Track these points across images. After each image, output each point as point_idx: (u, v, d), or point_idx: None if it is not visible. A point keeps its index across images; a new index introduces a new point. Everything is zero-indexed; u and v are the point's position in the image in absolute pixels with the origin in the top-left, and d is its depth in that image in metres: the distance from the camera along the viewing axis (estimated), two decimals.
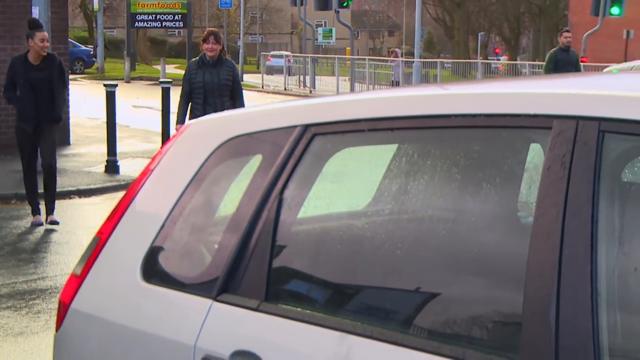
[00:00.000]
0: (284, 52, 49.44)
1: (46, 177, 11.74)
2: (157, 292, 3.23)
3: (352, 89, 39.77)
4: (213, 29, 12.70)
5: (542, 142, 2.72)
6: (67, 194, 13.98)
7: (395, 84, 39.86)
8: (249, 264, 3.06)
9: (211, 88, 11.93)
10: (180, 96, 12.19)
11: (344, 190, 3.19)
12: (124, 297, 3.33)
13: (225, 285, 3.09)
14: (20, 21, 17.16)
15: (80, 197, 14.03)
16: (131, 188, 3.46)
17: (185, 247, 3.28)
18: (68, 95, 11.94)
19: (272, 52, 52.52)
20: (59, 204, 13.32)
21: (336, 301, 3.02)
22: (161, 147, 3.48)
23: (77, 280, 3.46)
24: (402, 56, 42.07)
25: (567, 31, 20.16)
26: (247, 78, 47.49)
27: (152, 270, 3.28)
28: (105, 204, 13.77)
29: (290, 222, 3.10)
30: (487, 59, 57.56)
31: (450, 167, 2.94)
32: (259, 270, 3.05)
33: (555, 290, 2.50)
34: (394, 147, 3.13)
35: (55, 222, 11.69)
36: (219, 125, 3.39)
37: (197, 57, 12.33)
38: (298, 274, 3.12)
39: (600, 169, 2.54)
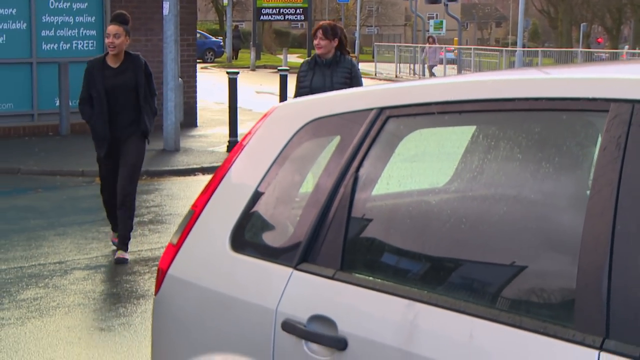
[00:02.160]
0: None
1: (118, 204, 8.78)
2: (244, 261, 3.26)
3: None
4: (324, 22, 9.53)
5: (600, 124, 2.66)
6: (192, 171, 14.20)
7: (431, 68, 39.59)
8: (326, 236, 3.06)
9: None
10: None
11: (415, 169, 3.16)
12: (215, 265, 3.35)
13: (304, 255, 3.09)
14: (154, 15, 17.46)
15: (203, 174, 14.17)
16: (223, 165, 3.48)
17: (270, 220, 3.30)
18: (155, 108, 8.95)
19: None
20: (184, 181, 13.56)
21: (404, 271, 3.00)
22: (251, 129, 3.49)
23: (173, 249, 3.50)
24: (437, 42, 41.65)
25: None
26: (362, 67, 47.36)
27: (240, 240, 3.30)
28: None
29: (365, 198, 3.09)
30: (590, 48, 56.46)
31: (514, 148, 2.88)
32: (335, 241, 3.04)
33: (607, 263, 2.45)
34: (463, 128, 3.09)
35: (123, 261, 8.67)
36: (302, 108, 3.39)
37: (311, 56, 9.48)
38: (371, 246, 3.11)
39: None
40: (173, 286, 3.48)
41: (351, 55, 9.60)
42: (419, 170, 3.14)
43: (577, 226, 2.56)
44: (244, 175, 3.38)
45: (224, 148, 16.07)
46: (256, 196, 3.30)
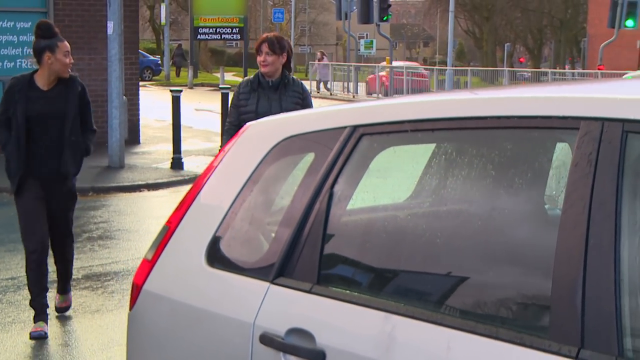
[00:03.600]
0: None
1: (58, 246, 7.07)
2: (220, 276, 3.23)
3: (390, 94, 39.69)
4: (269, 33, 7.73)
5: (570, 141, 2.68)
6: (137, 188, 14.07)
7: (325, 83, 39.67)
8: (302, 251, 3.04)
9: None
10: (224, 128, 7.63)
11: (389, 185, 3.16)
12: (191, 280, 3.32)
13: (281, 269, 3.07)
14: (98, 34, 17.30)
15: (148, 190, 14.07)
16: (197, 183, 3.45)
17: (245, 235, 3.27)
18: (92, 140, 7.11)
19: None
20: (130, 197, 13.43)
21: (381, 284, 2.99)
22: (222, 147, 3.47)
23: (148, 265, 3.45)
24: (326, 59, 41.97)
25: None
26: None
27: (216, 256, 3.27)
28: (171, 197, 13.82)
29: (340, 213, 3.08)
30: (513, 67, 57.17)
31: (485, 165, 2.90)
32: (311, 256, 3.03)
33: (581, 276, 2.46)
34: (434, 145, 3.10)
35: (64, 309, 7.35)
36: (275, 126, 3.37)
37: (252, 76, 7.52)
38: (347, 259, 3.10)
39: (623, 166, 2.49)
40: (148, 301, 3.43)
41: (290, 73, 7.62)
42: (393, 186, 3.14)
43: (548, 241, 2.58)
44: (219, 192, 3.35)
45: (167, 165, 15.95)
46: (231, 212, 3.27)
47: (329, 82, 40.90)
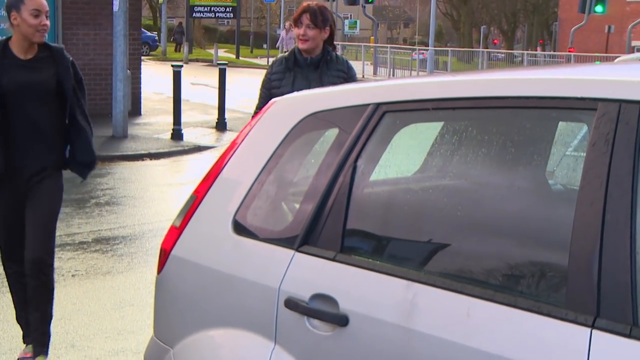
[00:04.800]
0: None
1: (28, 272, 5.20)
2: (247, 243, 3.20)
3: (375, 73, 39.59)
4: (312, 2, 6.01)
5: (588, 121, 2.65)
6: (140, 157, 14.01)
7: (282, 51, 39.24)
8: (326, 221, 3.02)
9: None
10: (255, 109, 5.92)
11: (410, 160, 3.13)
12: (218, 247, 3.29)
13: (305, 238, 3.05)
14: (103, 11, 17.15)
15: (150, 159, 14.02)
16: (223, 155, 3.41)
17: (271, 206, 3.24)
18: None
19: None
20: (133, 165, 13.39)
21: (402, 254, 2.97)
22: (250, 121, 3.43)
23: (176, 231, 3.42)
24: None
25: None
26: None
27: (242, 224, 3.24)
28: (172, 166, 13.79)
29: (363, 185, 3.05)
30: (488, 49, 57.17)
31: (505, 142, 2.88)
32: (335, 226, 3.00)
33: (598, 249, 2.45)
34: (454, 123, 3.07)
35: None
36: (301, 102, 3.33)
37: (286, 52, 6.18)
38: (369, 230, 3.07)
39: None
40: (176, 266, 3.40)
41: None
42: (414, 161, 3.12)
43: (566, 216, 2.56)
44: (245, 164, 3.31)
45: (168, 135, 15.88)
46: (257, 184, 3.24)
47: None
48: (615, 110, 2.53)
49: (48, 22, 5.06)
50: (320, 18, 5.71)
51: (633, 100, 2.51)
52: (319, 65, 5.83)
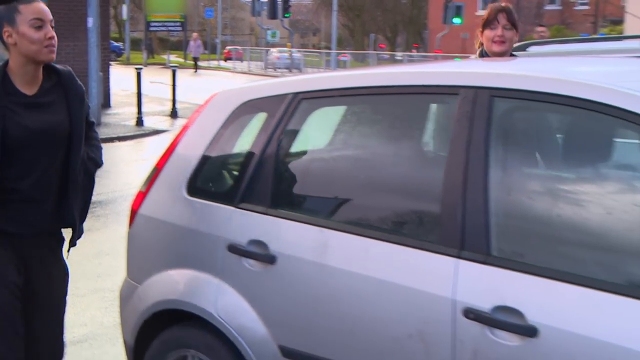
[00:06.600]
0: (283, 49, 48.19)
1: None
2: (198, 202, 3.16)
3: (290, 70, 39.39)
4: (503, 2, 4.69)
5: (451, 103, 2.69)
6: (111, 139, 13.69)
7: (195, 60, 37.74)
8: (258, 183, 3.01)
9: None
10: None
11: (321, 135, 3.14)
12: (175, 206, 3.24)
13: (243, 197, 3.03)
14: (79, 26, 16.69)
15: (119, 141, 13.75)
16: (178, 135, 3.36)
17: (216, 172, 3.21)
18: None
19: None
20: (105, 146, 12.93)
21: (317, 207, 2.97)
22: (195, 110, 3.39)
23: (142, 195, 3.37)
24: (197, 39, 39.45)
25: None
26: (224, 64, 47.26)
27: (194, 188, 3.21)
28: (136, 146, 13.56)
29: (285, 155, 3.05)
30: (376, 51, 57.43)
31: (392, 120, 2.91)
32: (265, 187, 2.99)
33: (461, 199, 2.49)
34: (353, 106, 3.08)
35: None
36: (237, 93, 3.29)
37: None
38: (291, 189, 3.07)
39: (491, 120, 2.52)
40: (143, 222, 3.35)
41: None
42: (323, 135, 3.12)
43: (438, 175, 2.59)
44: (195, 141, 3.26)
45: (133, 122, 15.58)
46: (205, 156, 3.21)
47: (198, 59, 38.60)
48: (472, 94, 2.57)
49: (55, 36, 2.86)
50: (516, 18, 4.03)
51: (484, 86, 2.56)
52: None
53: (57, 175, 2.91)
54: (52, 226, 2.99)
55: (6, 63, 2.84)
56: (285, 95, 3.04)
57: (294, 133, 3.03)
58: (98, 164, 3.13)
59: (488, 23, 3.96)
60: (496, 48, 3.94)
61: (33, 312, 2.94)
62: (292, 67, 39.42)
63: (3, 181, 2.80)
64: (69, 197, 2.94)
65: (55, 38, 2.83)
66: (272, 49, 40.57)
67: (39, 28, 2.82)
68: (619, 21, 37.89)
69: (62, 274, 3.07)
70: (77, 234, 3.06)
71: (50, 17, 2.86)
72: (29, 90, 2.85)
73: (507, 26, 3.94)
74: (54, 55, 2.82)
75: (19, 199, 2.86)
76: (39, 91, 2.87)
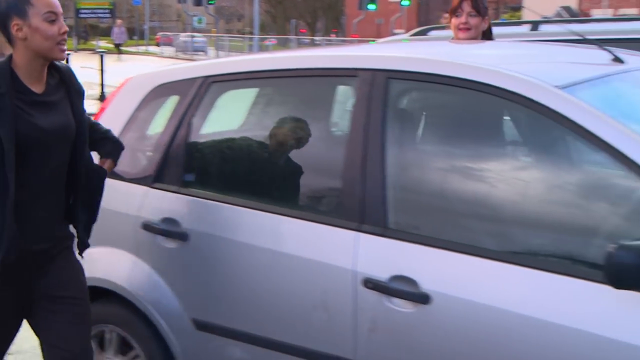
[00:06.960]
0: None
1: None
2: (114, 183, 3.05)
3: (217, 56, 39.05)
4: None
5: (352, 84, 2.69)
6: None
7: (118, 46, 36.73)
8: (171, 164, 2.97)
9: None
10: None
11: (228, 116, 3.11)
12: None
13: (156, 177, 2.99)
14: None
15: None
16: (95, 117, 3.25)
17: (131, 154, 3.14)
18: None
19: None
20: None
21: (227, 185, 2.95)
22: (112, 94, 3.31)
23: None
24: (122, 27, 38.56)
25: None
26: (151, 49, 46.50)
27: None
28: None
29: (196, 137, 3.01)
30: (297, 36, 57.46)
31: (301, 101, 2.91)
32: (177, 167, 2.96)
33: (361, 175, 2.51)
34: (259, 89, 3.07)
35: None
36: (151, 77, 3.21)
37: None
38: (202, 169, 3.04)
39: (387, 101, 2.54)
40: None
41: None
42: (230, 117, 3.10)
43: (340, 153, 2.60)
44: (112, 122, 3.13)
45: None
46: (120, 137, 3.14)
47: (121, 45, 37.70)
48: (370, 76, 2.58)
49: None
50: (482, 5, 3.85)
51: (381, 69, 2.58)
52: None
53: (63, 177, 2.59)
54: (62, 229, 2.68)
55: (9, 58, 2.50)
56: (196, 78, 3.00)
57: (204, 115, 2.99)
58: (121, 145, 2.83)
59: (454, 11, 3.85)
60: (461, 35, 3.82)
61: (61, 321, 2.61)
62: (198, 50, 39.31)
63: (11, 187, 2.39)
64: (77, 198, 2.65)
65: (66, 33, 2.52)
66: (181, 34, 40.07)
67: (53, 22, 2.49)
68: (517, 7, 39.25)
69: (78, 268, 2.75)
70: (87, 234, 2.75)
71: (61, 9, 2.54)
72: (37, 88, 2.51)
73: (472, 13, 3.80)
74: (65, 55, 2.52)
75: (32, 210, 2.51)
76: (47, 89, 2.53)
